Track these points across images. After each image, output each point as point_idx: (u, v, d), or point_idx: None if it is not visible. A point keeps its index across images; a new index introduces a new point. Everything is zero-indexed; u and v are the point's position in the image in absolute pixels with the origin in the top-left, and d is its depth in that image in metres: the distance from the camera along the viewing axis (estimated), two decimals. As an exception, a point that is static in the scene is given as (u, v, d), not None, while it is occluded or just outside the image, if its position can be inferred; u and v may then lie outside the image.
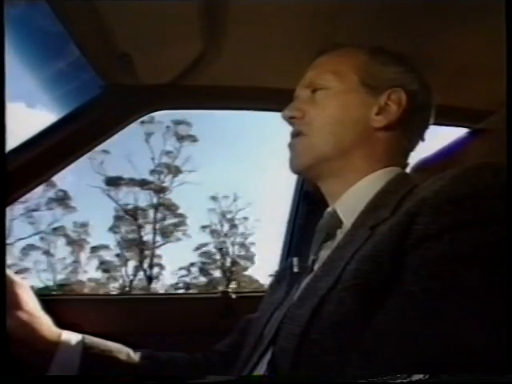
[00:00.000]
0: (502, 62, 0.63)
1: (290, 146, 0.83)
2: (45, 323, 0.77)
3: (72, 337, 0.79)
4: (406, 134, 0.81)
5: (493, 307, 0.53)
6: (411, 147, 0.84)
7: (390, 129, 0.79)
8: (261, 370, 0.69)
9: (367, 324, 0.57)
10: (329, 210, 0.80)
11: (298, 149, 0.82)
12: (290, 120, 0.83)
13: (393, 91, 0.79)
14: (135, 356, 0.84)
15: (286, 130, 0.85)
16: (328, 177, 0.81)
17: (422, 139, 0.85)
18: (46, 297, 0.84)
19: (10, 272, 0.75)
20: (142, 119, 1.14)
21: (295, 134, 0.82)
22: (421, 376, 0.51)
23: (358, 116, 0.79)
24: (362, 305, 0.59)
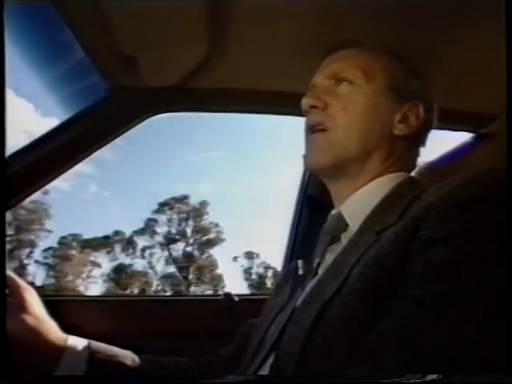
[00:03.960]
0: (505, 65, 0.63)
1: (310, 140, 0.79)
2: (51, 328, 0.77)
3: (78, 342, 0.80)
4: (416, 144, 0.82)
5: (498, 311, 0.53)
6: (417, 155, 0.85)
7: (406, 138, 0.79)
8: (263, 372, 0.69)
9: (372, 328, 0.57)
10: (334, 212, 0.80)
11: (319, 144, 0.78)
12: (310, 109, 0.79)
13: (414, 104, 0.79)
14: (140, 361, 0.84)
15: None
16: (341, 178, 0.78)
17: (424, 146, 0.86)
18: (49, 297, 0.84)
19: (15, 276, 0.75)
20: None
21: (316, 128, 0.78)
22: (426, 377, 0.51)
23: (384, 119, 0.78)
24: (367, 309, 0.59)
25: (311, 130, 0.79)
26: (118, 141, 1.10)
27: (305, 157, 0.81)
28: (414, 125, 0.79)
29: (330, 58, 0.83)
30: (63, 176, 1.07)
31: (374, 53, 0.83)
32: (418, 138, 0.82)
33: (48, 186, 1.06)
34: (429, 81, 0.84)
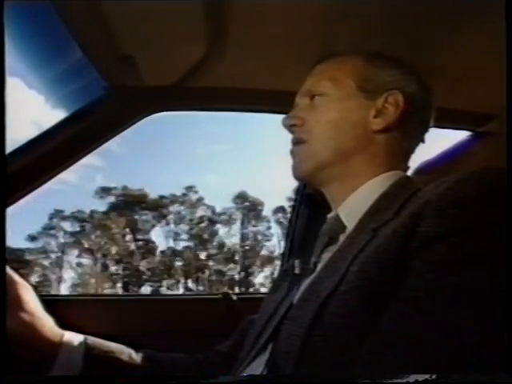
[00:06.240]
0: (504, 64, 0.64)
1: (292, 153, 0.84)
2: (47, 324, 0.77)
3: (74, 338, 0.80)
4: (405, 135, 0.81)
5: (497, 309, 0.53)
6: (411, 149, 0.84)
7: (388, 131, 0.79)
8: (257, 368, 0.69)
9: (371, 326, 0.57)
10: (332, 214, 0.81)
11: (300, 156, 0.82)
12: (290, 128, 0.83)
13: (390, 94, 0.79)
14: (137, 357, 0.84)
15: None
16: (331, 182, 0.81)
17: (423, 141, 0.85)
18: (47, 297, 0.84)
19: (12, 273, 0.75)
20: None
21: (296, 142, 0.83)
22: (425, 376, 0.51)
23: (356, 120, 0.79)
24: (365, 306, 0.59)
25: (292, 143, 0.84)
26: (125, 133, 1.10)
27: (292, 168, 0.84)
28: (394, 115, 0.79)
29: (307, 76, 0.87)
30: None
31: (342, 59, 0.84)
32: (404, 129, 0.80)
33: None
34: (410, 67, 0.83)
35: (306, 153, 0.81)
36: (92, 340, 0.81)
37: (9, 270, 0.74)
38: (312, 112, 0.82)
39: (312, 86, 0.84)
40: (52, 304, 0.79)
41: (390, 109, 0.79)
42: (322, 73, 0.85)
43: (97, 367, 0.79)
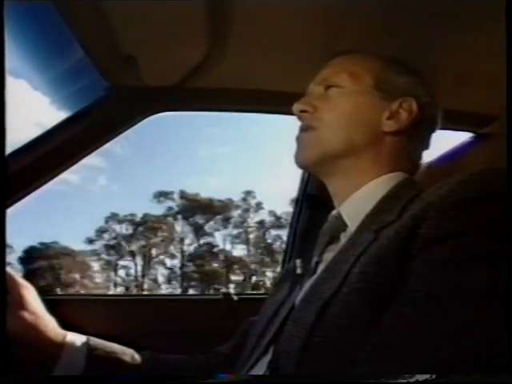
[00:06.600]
0: (504, 65, 0.64)
1: (298, 139, 0.83)
2: (50, 325, 0.77)
3: (77, 338, 0.80)
4: (411, 141, 0.82)
5: (497, 311, 0.53)
6: (416, 155, 0.84)
7: (398, 134, 0.80)
8: (260, 369, 0.70)
9: (372, 327, 0.57)
10: (334, 213, 0.80)
11: (307, 142, 0.82)
12: (300, 114, 0.83)
13: (405, 100, 0.80)
14: (139, 358, 0.84)
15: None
16: (334, 174, 0.81)
17: (427, 148, 0.86)
18: (48, 297, 0.84)
19: (14, 273, 0.75)
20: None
21: (304, 128, 0.82)
22: (425, 376, 0.51)
23: (369, 118, 0.80)
24: (367, 308, 0.59)
25: (300, 130, 0.83)
26: (129, 135, 1.11)
27: (296, 154, 0.83)
28: (406, 120, 0.80)
29: (323, 67, 0.86)
30: (72, 168, 1.08)
31: (362, 56, 0.85)
32: (412, 135, 0.81)
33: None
34: (424, 78, 0.84)
35: (314, 140, 0.80)
36: (94, 341, 0.82)
37: (10, 271, 0.75)
38: (325, 101, 0.81)
39: (329, 76, 0.84)
40: (53, 304, 0.79)
41: (404, 114, 0.80)
42: (339, 65, 0.84)
43: (99, 368, 0.79)
